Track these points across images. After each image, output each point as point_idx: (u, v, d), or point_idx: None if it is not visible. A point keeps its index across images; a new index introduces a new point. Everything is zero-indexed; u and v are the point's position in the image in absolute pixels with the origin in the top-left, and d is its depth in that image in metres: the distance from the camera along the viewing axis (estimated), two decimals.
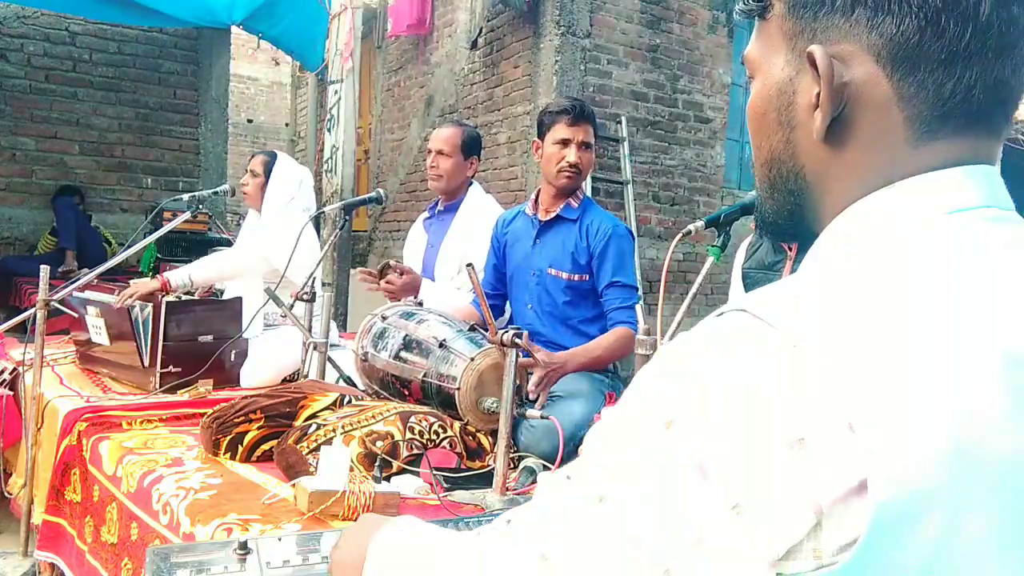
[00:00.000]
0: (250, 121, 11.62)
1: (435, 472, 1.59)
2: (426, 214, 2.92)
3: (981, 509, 0.45)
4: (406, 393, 2.00)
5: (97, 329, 2.57)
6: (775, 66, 0.60)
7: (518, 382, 1.65)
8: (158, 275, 2.93)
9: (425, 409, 1.80)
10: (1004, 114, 0.56)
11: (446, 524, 1.26)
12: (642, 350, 1.48)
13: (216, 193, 3.16)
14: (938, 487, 0.44)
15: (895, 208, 0.55)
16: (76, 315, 2.72)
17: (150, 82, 5.98)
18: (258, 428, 1.78)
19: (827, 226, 0.59)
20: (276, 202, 2.91)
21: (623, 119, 5.30)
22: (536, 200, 2.41)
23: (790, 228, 0.64)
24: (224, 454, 1.76)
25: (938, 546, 0.45)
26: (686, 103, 5.60)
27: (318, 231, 3.45)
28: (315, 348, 2.24)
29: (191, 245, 4.91)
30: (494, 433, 1.67)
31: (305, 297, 2.31)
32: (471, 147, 2.74)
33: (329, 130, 6.73)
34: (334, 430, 1.66)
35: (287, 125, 10.85)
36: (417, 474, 1.62)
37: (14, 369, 2.67)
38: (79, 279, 2.68)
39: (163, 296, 2.58)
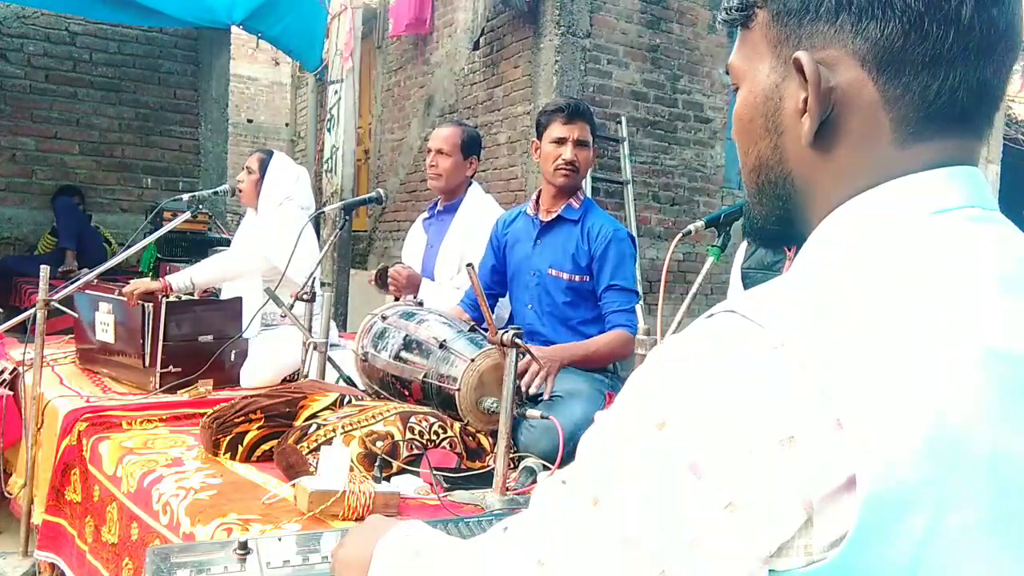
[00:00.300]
0: (250, 121, 11.62)
1: (435, 472, 1.59)
2: (425, 214, 2.92)
3: (967, 503, 0.46)
4: (406, 393, 2.00)
5: (104, 326, 2.57)
6: (760, 73, 0.61)
7: (518, 382, 1.65)
8: (160, 278, 2.93)
9: (425, 409, 1.80)
10: (986, 115, 0.58)
11: (446, 524, 1.26)
12: (642, 350, 1.49)
13: (216, 193, 3.17)
14: (923, 482, 0.45)
15: (880, 209, 0.56)
16: (76, 315, 2.72)
17: (150, 82, 5.98)
18: (258, 428, 1.78)
19: (816, 228, 0.60)
20: (272, 199, 2.91)
21: (623, 119, 5.30)
22: (537, 201, 2.42)
23: (779, 233, 0.65)
24: (224, 454, 1.76)
25: (925, 539, 0.45)
26: (686, 103, 5.60)
27: (318, 231, 3.45)
28: (315, 348, 2.24)
29: (191, 245, 4.90)
30: (494, 433, 1.67)
31: (305, 297, 2.31)
32: (471, 147, 2.74)
33: (329, 130, 6.73)
34: (334, 430, 1.66)
35: (287, 125, 10.85)
36: (417, 474, 1.62)
37: (14, 369, 2.68)
38: (79, 279, 2.69)
39: (163, 297, 2.59)
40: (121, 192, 5.95)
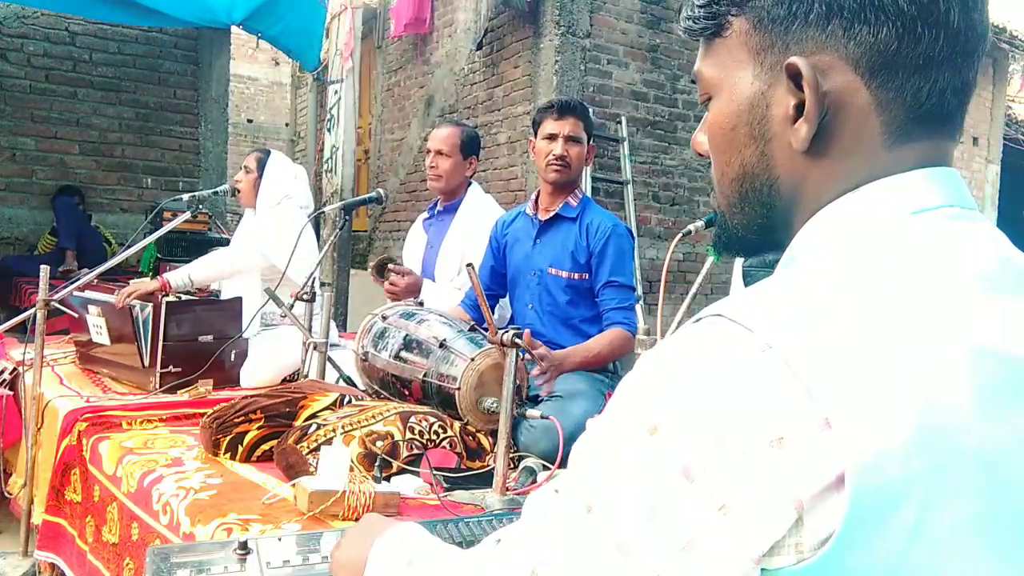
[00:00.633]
0: (250, 121, 11.62)
1: (435, 472, 1.59)
2: (426, 214, 2.92)
3: (955, 499, 0.46)
4: (406, 393, 2.00)
5: (98, 329, 2.58)
6: (742, 81, 0.61)
7: (518, 382, 1.65)
8: (158, 276, 2.93)
9: (425, 409, 1.80)
10: (962, 115, 0.59)
11: (446, 524, 1.26)
12: (642, 350, 1.49)
13: (216, 193, 3.17)
14: (910, 478, 0.46)
15: (860, 211, 0.57)
16: (76, 315, 2.72)
17: (150, 82, 5.98)
18: (258, 428, 1.78)
19: (799, 231, 0.60)
20: (270, 198, 2.91)
21: (623, 119, 5.30)
22: (536, 201, 2.42)
23: (757, 241, 0.65)
24: (224, 454, 1.76)
25: (913, 535, 0.46)
26: (686, 103, 5.60)
27: (318, 231, 3.45)
28: (315, 348, 2.24)
29: (191, 245, 4.90)
30: (494, 433, 1.67)
31: (305, 297, 2.31)
32: (470, 147, 2.74)
33: (329, 130, 6.73)
34: (334, 430, 1.66)
35: (287, 125, 10.85)
36: (417, 474, 1.62)
37: (14, 369, 2.67)
38: (79, 279, 2.68)
39: (163, 296, 2.58)
40: (121, 192, 5.95)
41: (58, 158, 5.68)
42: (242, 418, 1.78)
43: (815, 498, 0.46)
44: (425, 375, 1.91)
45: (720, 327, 0.51)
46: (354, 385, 2.19)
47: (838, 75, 0.56)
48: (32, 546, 2.18)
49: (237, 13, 4.67)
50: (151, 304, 2.43)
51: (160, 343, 2.40)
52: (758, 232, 0.64)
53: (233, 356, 2.58)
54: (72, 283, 2.66)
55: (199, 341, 2.50)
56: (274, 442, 1.74)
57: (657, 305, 1.63)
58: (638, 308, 2.06)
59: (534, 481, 1.65)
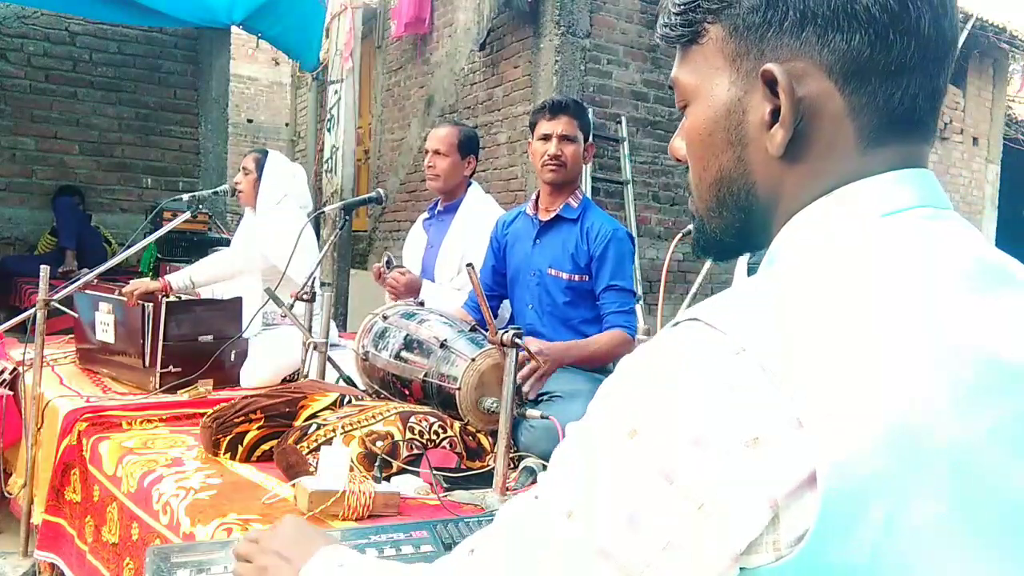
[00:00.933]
0: (250, 121, 11.62)
1: (435, 472, 1.59)
2: (426, 215, 2.92)
3: (927, 496, 0.47)
4: (407, 393, 2.00)
5: (104, 326, 2.57)
6: (719, 87, 0.61)
7: (518, 382, 1.65)
8: (160, 277, 2.93)
9: (425, 409, 1.80)
10: (935, 119, 0.60)
11: (446, 524, 1.26)
12: None
13: (216, 193, 3.17)
14: (881, 475, 0.46)
15: (833, 214, 0.58)
16: (76, 315, 2.72)
17: (150, 82, 5.98)
18: (258, 428, 1.78)
19: (777, 234, 0.61)
20: (270, 198, 2.92)
21: (623, 119, 5.30)
22: (536, 201, 2.42)
23: (734, 245, 0.67)
24: (224, 454, 1.76)
25: (885, 532, 0.46)
26: None
27: (318, 231, 3.45)
28: (315, 348, 2.24)
29: (191, 245, 4.90)
30: (494, 433, 1.67)
31: (305, 297, 2.31)
32: (468, 146, 2.74)
33: (329, 130, 6.73)
34: (334, 430, 1.66)
35: (287, 125, 10.85)
36: (417, 474, 1.62)
37: (14, 369, 2.67)
38: (79, 279, 2.69)
39: (163, 297, 2.58)
40: (121, 192, 5.95)
41: (58, 158, 5.68)
42: (242, 418, 1.78)
43: (789, 496, 0.47)
44: (426, 375, 1.91)
45: (696, 331, 0.51)
46: (354, 385, 2.19)
47: (812, 81, 0.57)
48: (32, 546, 2.18)
49: (237, 13, 4.68)
50: (151, 304, 2.43)
51: (160, 343, 2.40)
52: (735, 236, 0.66)
53: (233, 356, 2.58)
54: (72, 283, 2.66)
55: (199, 341, 2.50)
56: (274, 442, 1.74)
57: (657, 305, 1.63)
58: (638, 308, 2.06)
59: (534, 481, 1.65)
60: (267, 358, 2.63)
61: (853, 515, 0.46)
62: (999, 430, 0.49)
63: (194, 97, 6.15)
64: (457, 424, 1.79)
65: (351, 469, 1.48)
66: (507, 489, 1.54)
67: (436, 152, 2.71)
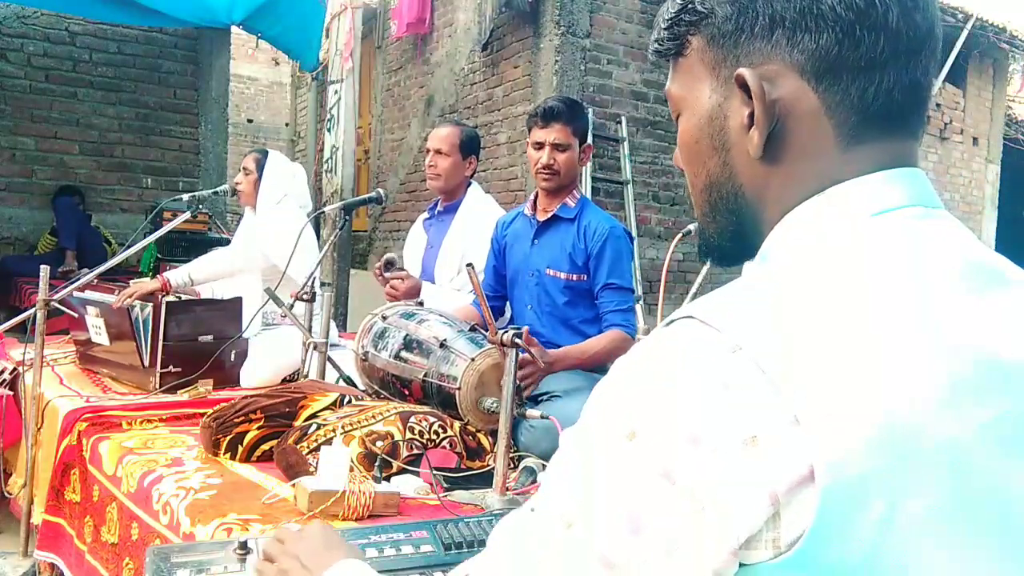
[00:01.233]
0: (250, 121, 11.62)
1: (435, 472, 1.59)
2: (426, 215, 2.92)
3: (923, 492, 0.48)
4: (406, 393, 2.00)
5: (97, 329, 2.58)
6: (702, 95, 0.64)
7: (518, 382, 1.65)
8: (158, 275, 2.93)
9: (425, 409, 1.80)
10: (919, 114, 0.60)
11: (446, 524, 1.26)
12: None
13: (216, 193, 3.17)
14: (877, 471, 0.47)
15: (823, 214, 0.58)
16: (76, 315, 2.72)
17: (150, 82, 5.98)
18: (258, 428, 1.78)
19: (768, 236, 0.62)
20: (270, 198, 2.92)
21: (623, 119, 5.30)
22: (534, 201, 2.42)
23: (732, 248, 0.67)
24: (224, 454, 1.76)
25: (882, 528, 0.47)
26: None
27: (318, 231, 3.45)
28: (315, 348, 2.24)
29: (191, 245, 4.91)
30: (494, 433, 1.67)
31: (305, 297, 2.31)
32: (469, 146, 2.74)
33: (329, 130, 6.73)
34: (334, 430, 1.66)
35: (287, 125, 10.85)
36: (417, 474, 1.62)
37: (14, 369, 2.67)
38: (79, 279, 2.68)
39: (163, 296, 2.58)
40: (121, 192, 5.95)
41: (58, 158, 5.68)
42: (242, 418, 1.78)
43: (789, 493, 0.47)
44: (425, 375, 1.91)
45: (691, 329, 0.52)
46: (354, 385, 2.19)
47: (786, 82, 0.59)
48: (32, 546, 2.18)
49: (237, 13, 4.68)
50: (151, 304, 2.43)
51: (160, 343, 2.40)
52: (732, 239, 0.66)
53: (233, 356, 2.58)
54: (72, 283, 2.66)
55: (199, 341, 2.50)
56: (274, 442, 1.74)
57: (657, 305, 1.63)
58: (638, 308, 2.06)
59: (534, 481, 1.65)
60: (267, 358, 2.63)
61: (851, 512, 0.46)
62: (994, 428, 0.50)
63: (194, 97, 6.15)
64: (457, 424, 1.79)
65: (351, 469, 1.48)
66: (507, 489, 1.54)
67: (438, 152, 2.71)
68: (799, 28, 0.57)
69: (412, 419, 1.71)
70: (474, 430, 1.81)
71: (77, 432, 2.04)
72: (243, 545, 1.09)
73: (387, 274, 2.51)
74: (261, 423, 1.78)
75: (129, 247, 2.80)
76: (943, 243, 0.56)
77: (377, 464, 1.55)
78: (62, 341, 3.10)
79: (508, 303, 2.52)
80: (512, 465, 1.66)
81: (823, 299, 0.52)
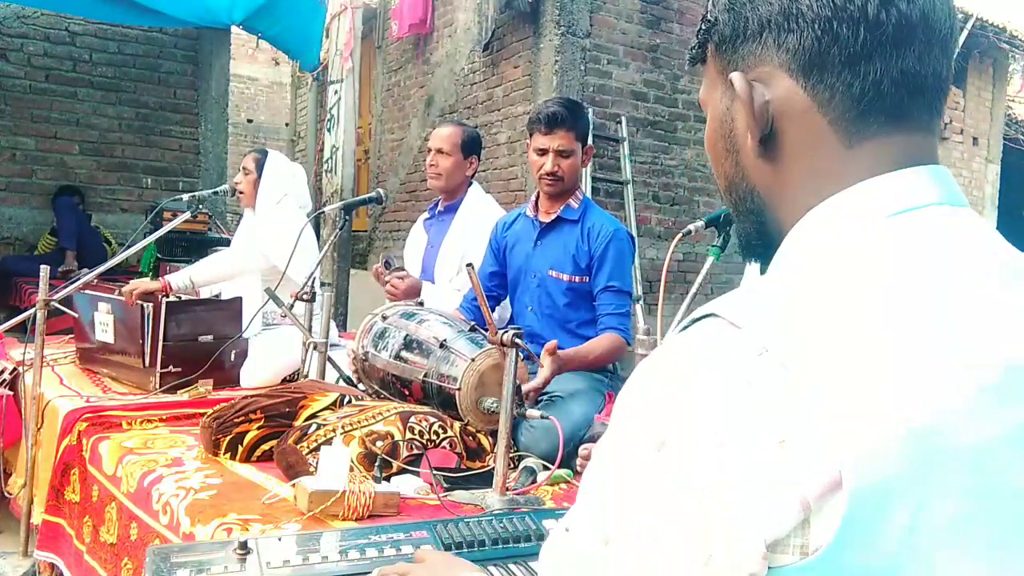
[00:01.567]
0: (250, 121, 11.62)
1: (435, 472, 1.59)
2: (426, 215, 2.92)
3: (950, 496, 0.47)
4: (406, 393, 2.00)
5: (104, 326, 2.57)
6: (715, 99, 0.67)
7: (518, 382, 1.65)
8: (160, 277, 2.93)
9: (425, 409, 1.80)
10: (924, 105, 0.59)
11: (446, 524, 1.26)
12: (642, 350, 1.49)
13: (216, 193, 3.17)
14: (903, 477, 0.46)
15: (843, 214, 0.58)
16: (76, 315, 2.72)
17: (150, 82, 5.98)
18: (258, 428, 1.78)
19: (787, 235, 0.62)
20: (270, 198, 2.92)
21: (623, 119, 5.30)
22: (536, 202, 2.41)
23: (761, 246, 0.67)
24: (224, 454, 1.76)
25: (909, 531, 0.46)
26: (686, 103, 5.60)
27: (318, 231, 3.45)
28: (315, 348, 2.24)
29: (191, 245, 4.90)
30: (494, 433, 1.67)
31: (305, 297, 2.31)
32: (471, 146, 2.74)
33: (329, 130, 6.73)
34: (334, 430, 1.66)
35: (287, 125, 10.85)
36: (417, 474, 1.62)
37: (14, 369, 2.67)
38: (79, 279, 2.68)
39: (163, 297, 2.58)
40: (121, 192, 5.95)
41: (58, 158, 5.68)
42: (242, 418, 1.78)
43: (820, 499, 0.46)
44: (425, 375, 1.91)
45: (716, 331, 0.51)
46: (354, 385, 2.19)
47: (778, 82, 0.60)
48: (32, 546, 2.18)
49: (237, 13, 4.67)
50: (151, 304, 2.43)
51: (160, 343, 2.40)
52: (758, 237, 0.67)
53: (233, 356, 2.58)
54: (72, 283, 2.66)
55: (199, 341, 2.50)
56: (274, 442, 1.74)
57: (657, 305, 1.63)
58: (638, 308, 2.06)
59: (534, 481, 1.65)
60: (267, 358, 2.63)
61: (877, 518, 0.46)
62: (1019, 431, 0.49)
63: (194, 97, 6.15)
64: (457, 424, 1.79)
65: (351, 469, 1.48)
66: (507, 489, 1.54)
67: (439, 151, 2.71)
68: (783, 29, 0.59)
69: (412, 419, 1.71)
70: (474, 430, 1.81)
71: (77, 432, 2.04)
72: (243, 545, 1.09)
73: (387, 275, 2.51)
74: (261, 423, 1.78)
75: (129, 247, 2.80)
76: (969, 242, 0.55)
77: (377, 464, 1.55)
78: (62, 341, 3.10)
79: (501, 303, 2.52)
80: (512, 465, 1.66)
81: (843, 302, 0.51)
